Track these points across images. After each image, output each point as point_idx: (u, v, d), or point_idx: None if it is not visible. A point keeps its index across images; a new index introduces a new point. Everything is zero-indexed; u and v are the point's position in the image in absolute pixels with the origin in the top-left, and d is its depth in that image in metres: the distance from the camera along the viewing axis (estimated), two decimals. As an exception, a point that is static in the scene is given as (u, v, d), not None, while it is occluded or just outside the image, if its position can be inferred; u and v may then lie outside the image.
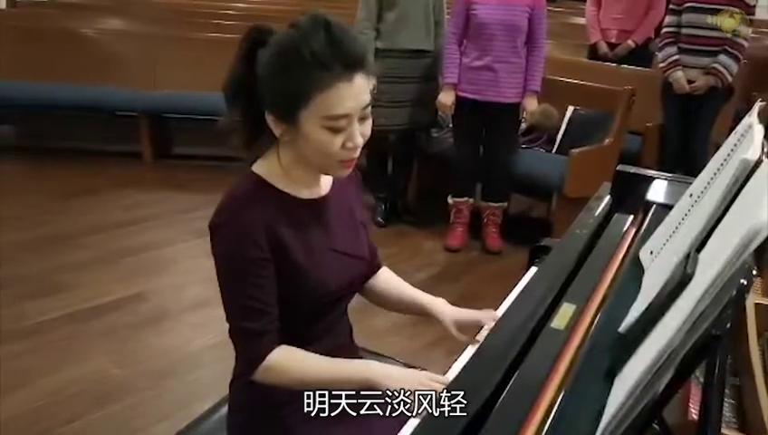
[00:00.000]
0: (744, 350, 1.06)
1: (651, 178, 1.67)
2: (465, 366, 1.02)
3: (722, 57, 3.79)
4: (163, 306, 2.97)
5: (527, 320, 1.09)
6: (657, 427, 0.77)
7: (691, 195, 1.15)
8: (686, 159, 3.98)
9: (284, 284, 1.22)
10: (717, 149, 1.14)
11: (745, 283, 0.58)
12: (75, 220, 3.73)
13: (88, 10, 6.14)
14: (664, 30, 4.02)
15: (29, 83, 4.71)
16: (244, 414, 1.35)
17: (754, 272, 0.91)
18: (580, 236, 1.42)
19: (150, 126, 4.87)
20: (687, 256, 0.87)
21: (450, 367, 1.22)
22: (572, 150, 3.53)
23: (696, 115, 3.98)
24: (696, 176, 1.19)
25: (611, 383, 0.88)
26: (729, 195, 0.88)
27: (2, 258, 3.22)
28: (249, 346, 1.20)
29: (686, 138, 4.02)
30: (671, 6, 4.00)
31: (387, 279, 1.49)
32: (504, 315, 1.16)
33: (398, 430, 1.19)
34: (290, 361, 1.21)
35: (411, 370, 1.19)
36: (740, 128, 1.11)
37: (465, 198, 3.74)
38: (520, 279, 1.46)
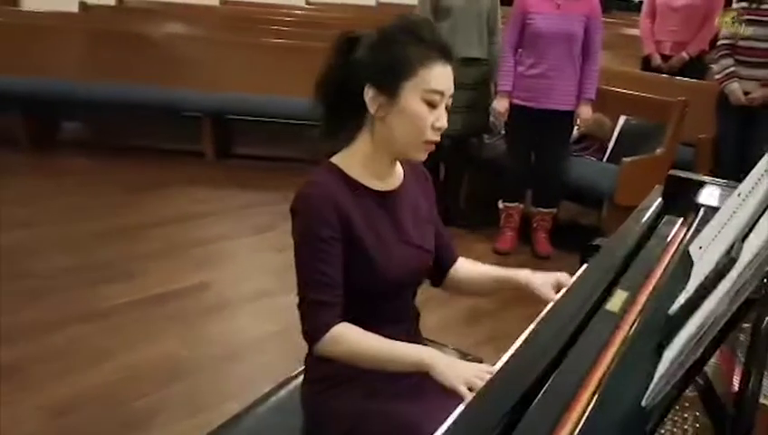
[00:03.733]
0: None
1: (702, 183, 1.74)
2: (522, 344, 1.12)
3: (780, 69, 3.79)
4: (225, 295, 3.14)
5: (582, 304, 1.19)
6: (700, 381, 0.86)
7: (739, 194, 1.24)
8: (741, 172, 3.97)
9: (351, 267, 1.32)
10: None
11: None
12: (144, 213, 3.96)
13: (156, 15, 6.45)
14: (720, 42, 4.03)
15: (100, 84, 4.98)
16: (320, 385, 1.46)
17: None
18: (631, 234, 1.52)
19: (213, 126, 5.08)
20: (732, 246, 0.97)
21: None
22: (624, 159, 3.58)
23: (753, 127, 3.98)
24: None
25: (660, 358, 0.98)
26: (773, 190, 0.97)
27: (80, 245, 3.47)
28: (316, 316, 1.30)
29: (742, 150, 4.02)
30: (728, 19, 4.02)
31: (466, 266, 1.61)
32: (558, 301, 1.26)
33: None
34: (350, 335, 1.29)
35: (463, 362, 1.26)
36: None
37: (516, 203, 3.83)
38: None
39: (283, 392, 1.66)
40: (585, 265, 1.81)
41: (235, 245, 3.70)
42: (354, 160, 1.36)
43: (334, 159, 1.37)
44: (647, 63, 4.92)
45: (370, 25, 1.33)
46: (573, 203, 4.20)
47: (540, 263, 3.72)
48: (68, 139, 5.33)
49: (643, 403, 0.87)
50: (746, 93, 3.88)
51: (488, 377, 1.16)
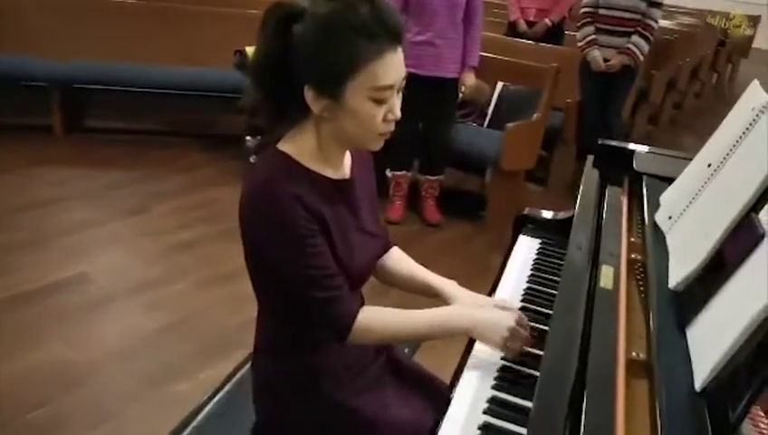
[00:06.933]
0: None
1: (632, 151, 1.80)
2: (549, 331, 1.12)
3: (635, 38, 4.07)
4: (109, 287, 2.87)
5: (581, 282, 1.19)
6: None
7: (709, 165, 1.28)
8: (602, 133, 4.25)
9: None
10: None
11: None
12: (-3, 199, 3.49)
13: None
14: (582, 10, 4.25)
15: None
16: (276, 388, 1.35)
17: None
18: (588, 209, 1.55)
19: (61, 98, 4.57)
20: (747, 217, 1.00)
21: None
22: (508, 125, 3.67)
23: (612, 91, 4.27)
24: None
25: (682, 331, 1.00)
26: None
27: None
28: (336, 312, 1.21)
29: (603, 112, 4.30)
30: (588, -13, 4.22)
31: (398, 259, 1.49)
32: (560, 285, 1.26)
33: (430, 405, 1.29)
34: (379, 319, 1.26)
35: (496, 314, 1.26)
36: (751, 102, 1.25)
37: (404, 172, 3.83)
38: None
39: (221, 396, 1.53)
40: (521, 237, 1.84)
41: (108, 231, 3.36)
42: (304, 148, 1.21)
43: (281, 146, 1.21)
44: (512, 29, 5.08)
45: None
46: (457, 169, 4.25)
47: (432, 230, 3.76)
48: None
49: (697, 388, 0.87)
50: (606, 60, 4.13)
51: (520, 329, 1.22)
